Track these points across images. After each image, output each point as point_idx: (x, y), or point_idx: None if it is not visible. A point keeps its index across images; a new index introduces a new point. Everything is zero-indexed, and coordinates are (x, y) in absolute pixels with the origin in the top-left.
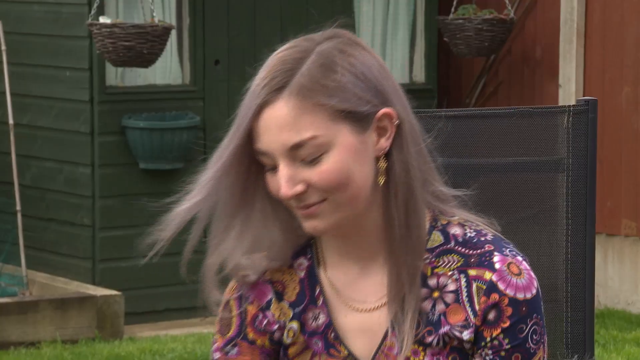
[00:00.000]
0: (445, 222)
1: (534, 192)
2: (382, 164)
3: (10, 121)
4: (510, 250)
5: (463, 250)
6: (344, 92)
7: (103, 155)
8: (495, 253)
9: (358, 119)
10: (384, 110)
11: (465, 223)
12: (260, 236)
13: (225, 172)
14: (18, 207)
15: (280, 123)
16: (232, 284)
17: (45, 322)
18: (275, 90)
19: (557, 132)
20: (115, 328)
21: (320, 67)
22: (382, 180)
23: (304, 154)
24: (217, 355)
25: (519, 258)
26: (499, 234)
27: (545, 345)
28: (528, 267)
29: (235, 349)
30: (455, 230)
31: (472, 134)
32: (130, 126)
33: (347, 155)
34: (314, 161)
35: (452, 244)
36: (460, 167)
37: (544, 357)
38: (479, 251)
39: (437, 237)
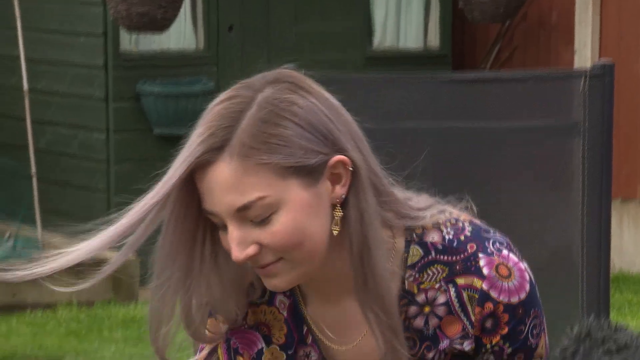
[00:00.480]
0: (420, 232)
1: (550, 156)
2: (338, 213)
3: (25, 86)
4: (493, 243)
5: (445, 258)
6: (288, 147)
7: (118, 121)
8: (480, 255)
9: (307, 172)
10: (335, 158)
11: (440, 221)
12: (205, 291)
13: (137, 224)
14: (33, 172)
15: (222, 185)
16: (212, 328)
17: (61, 284)
18: (215, 149)
19: (573, 97)
20: (131, 291)
21: (261, 122)
22: (336, 231)
23: (252, 214)
24: None
25: (505, 253)
26: (477, 221)
27: (546, 329)
28: (515, 259)
29: None
30: (433, 236)
31: (488, 99)
32: (145, 92)
33: (299, 212)
34: (264, 221)
35: (433, 253)
36: (474, 132)
37: (546, 342)
38: (462, 256)
39: (415, 252)
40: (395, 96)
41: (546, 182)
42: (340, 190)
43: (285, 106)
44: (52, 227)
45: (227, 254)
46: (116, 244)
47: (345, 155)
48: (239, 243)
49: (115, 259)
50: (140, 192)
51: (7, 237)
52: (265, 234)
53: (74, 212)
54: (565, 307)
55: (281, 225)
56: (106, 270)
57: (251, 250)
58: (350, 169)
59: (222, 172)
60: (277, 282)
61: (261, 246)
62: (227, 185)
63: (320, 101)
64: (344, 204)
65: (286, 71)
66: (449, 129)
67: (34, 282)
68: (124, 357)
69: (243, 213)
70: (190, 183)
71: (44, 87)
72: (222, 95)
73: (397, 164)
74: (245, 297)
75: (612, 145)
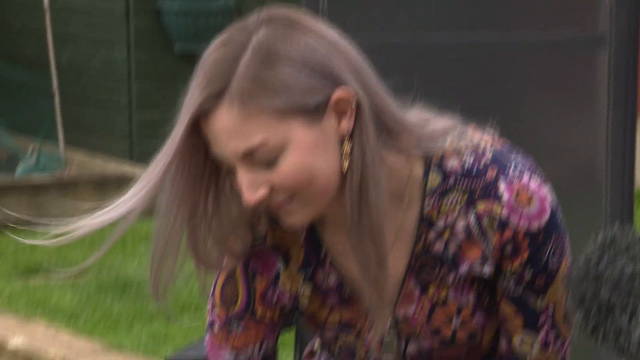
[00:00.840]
0: (438, 158)
1: (574, 69)
2: (347, 147)
3: (46, 1)
4: (514, 168)
5: (465, 184)
6: (287, 89)
7: (138, 38)
8: (500, 181)
9: (310, 112)
10: (337, 94)
11: (459, 146)
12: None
13: (159, 183)
14: (55, 88)
15: (225, 132)
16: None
17: (84, 200)
18: (213, 97)
19: (599, 7)
20: (154, 207)
21: (257, 66)
22: (346, 165)
23: (259, 157)
24: (217, 329)
25: (526, 178)
26: (499, 144)
27: (568, 251)
28: (537, 184)
29: (241, 326)
30: (452, 162)
31: (510, 9)
32: (166, 8)
33: (305, 152)
34: (271, 163)
35: (452, 180)
36: (496, 44)
37: (567, 264)
38: (482, 181)
39: (434, 178)
40: (414, 9)
41: (570, 95)
42: (346, 125)
43: (280, 47)
44: (74, 143)
45: (230, 197)
46: (145, 208)
47: (347, 89)
48: (248, 186)
49: (124, 224)
50: (161, 107)
51: (30, 153)
52: (274, 175)
53: (95, 128)
54: (589, 220)
55: (289, 165)
56: (117, 234)
57: (262, 192)
58: (354, 102)
59: (224, 119)
60: (293, 220)
61: (271, 188)
62: (229, 131)
63: (317, 37)
64: (352, 138)
65: (280, 9)
66: (470, 42)
67: (58, 198)
68: (147, 272)
69: (249, 157)
70: (196, 130)
71: (64, 2)
72: (217, 41)
73: (416, 80)
74: (250, 233)
75: (638, 57)
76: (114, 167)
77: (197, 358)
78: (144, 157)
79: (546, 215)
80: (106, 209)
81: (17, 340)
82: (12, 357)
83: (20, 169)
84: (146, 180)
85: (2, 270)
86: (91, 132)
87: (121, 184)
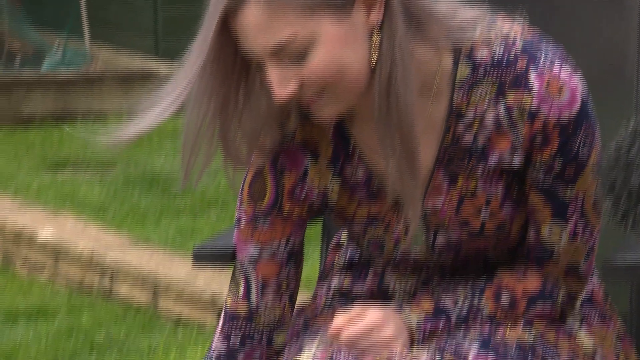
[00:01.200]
0: (468, 49)
1: None
2: (376, 40)
3: None
4: (545, 57)
5: (495, 75)
6: None
7: None
8: (531, 71)
9: (338, 5)
10: None
11: (489, 36)
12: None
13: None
14: None
15: (253, 28)
16: (255, 153)
17: (110, 96)
18: None
19: None
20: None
21: None
22: (375, 58)
23: (288, 53)
24: (244, 224)
25: (556, 67)
26: (529, 33)
27: (598, 140)
28: (567, 74)
29: (267, 222)
30: (482, 52)
31: None
32: None
33: (334, 46)
34: (301, 58)
35: (482, 71)
36: None
37: (597, 153)
38: (512, 72)
39: (464, 70)
40: None
41: None
42: (375, 17)
43: None
44: (99, 39)
45: (260, 92)
46: (179, 108)
47: None
48: (279, 82)
49: (152, 120)
50: (186, 4)
51: (55, 48)
52: (304, 70)
53: (120, 23)
54: (618, 111)
55: (318, 60)
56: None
57: (291, 87)
58: None
59: (251, 15)
60: (324, 114)
61: (301, 83)
62: (257, 27)
63: None
64: (381, 30)
65: None
66: None
67: (83, 93)
68: (174, 168)
69: (278, 52)
70: (225, 28)
71: None
72: None
73: None
74: (279, 130)
75: None
76: (139, 63)
77: (225, 247)
78: (169, 53)
79: (577, 105)
80: (155, 111)
81: (46, 233)
82: (42, 249)
83: (46, 63)
84: (186, 80)
85: (30, 164)
86: (116, 28)
87: (146, 80)
